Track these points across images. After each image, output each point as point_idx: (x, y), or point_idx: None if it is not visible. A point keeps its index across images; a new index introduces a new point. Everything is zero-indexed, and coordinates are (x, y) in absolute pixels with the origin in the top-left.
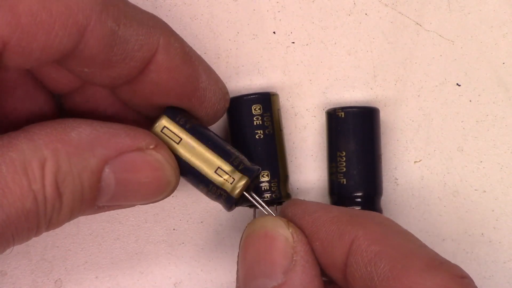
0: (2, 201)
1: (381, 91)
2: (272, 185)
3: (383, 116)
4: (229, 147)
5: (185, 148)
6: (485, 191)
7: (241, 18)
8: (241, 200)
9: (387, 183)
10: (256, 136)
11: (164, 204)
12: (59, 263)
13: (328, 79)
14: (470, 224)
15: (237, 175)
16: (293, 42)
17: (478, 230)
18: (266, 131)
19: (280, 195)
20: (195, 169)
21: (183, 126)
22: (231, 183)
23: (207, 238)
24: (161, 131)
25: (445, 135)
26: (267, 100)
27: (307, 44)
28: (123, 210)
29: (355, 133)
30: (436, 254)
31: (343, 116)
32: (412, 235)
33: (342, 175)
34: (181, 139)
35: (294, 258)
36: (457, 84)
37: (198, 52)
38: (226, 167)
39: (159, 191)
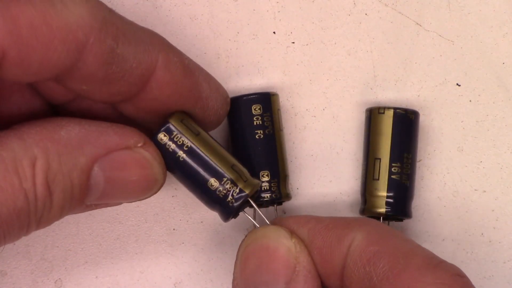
0: None
1: (381, 91)
2: (272, 185)
3: None
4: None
5: (204, 141)
6: (485, 191)
7: (241, 18)
8: (240, 209)
9: None
10: (256, 136)
11: (164, 204)
12: (59, 263)
13: (328, 79)
14: (470, 224)
15: (249, 176)
16: (293, 42)
17: (478, 230)
18: (266, 131)
19: (280, 195)
20: (209, 163)
21: (197, 124)
22: (245, 181)
23: (207, 238)
24: (181, 121)
25: (445, 135)
26: (267, 100)
27: (307, 44)
28: (123, 210)
29: (416, 137)
30: (434, 254)
31: (413, 118)
32: (408, 237)
33: (406, 176)
34: (199, 132)
35: (297, 269)
36: (457, 84)
37: (198, 52)
38: (241, 167)
39: (146, 189)
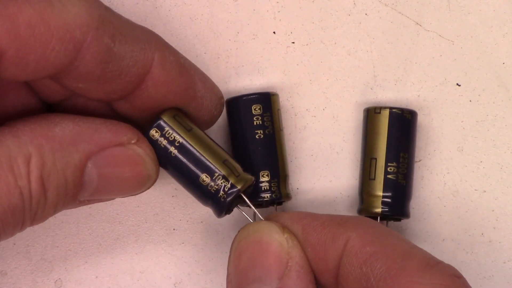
0: None
1: (381, 91)
2: (272, 185)
3: None
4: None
5: (196, 136)
6: (485, 191)
7: (241, 18)
8: (234, 205)
9: None
10: (256, 136)
11: (164, 204)
12: (59, 263)
13: (328, 79)
14: (470, 224)
15: (242, 171)
16: (293, 42)
17: (478, 230)
18: (266, 131)
19: (280, 195)
20: (201, 160)
21: (190, 120)
22: (237, 176)
23: (207, 238)
24: (173, 117)
25: (445, 135)
26: (267, 100)
27: (307, 44)
28: (123, 210)
29: (413, 136)
30: (431, 255)
31: (410, 118)
32: (404, 237)
33: (403, 176)
34: (192, 128)
35: (289, 264)
36: (457, 84)
37: (198, 52)
38: (233, 161)
39: (139, 185)
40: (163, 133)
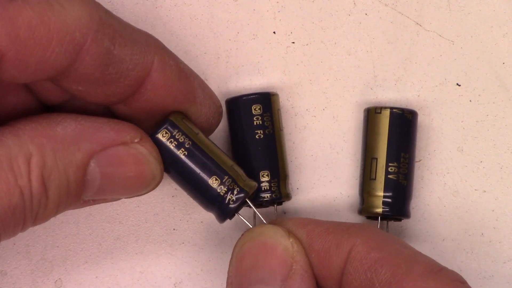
0: None
1: (381, 91)
2: (272, 185)
3: None
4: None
5: (203, 140)
6: (485, 191)
7: (241, 18)
8: (238, 210)
9: None
10: (256, 136)
11: (164, 204)
12: (59, 263)
13: (328, 79)
14: (470, 224)
15: (247, 178)
16: (293, 42)
17: (478, 230)
18: (266, 131)
19: (280, 195)
20: (209, 162)
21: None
22: (244, 180)
23: (207, 238)
24: (182, 119)
25: (445, 135)
26: (267, 100)
27: (307, 44)
28: (123, 210)
29: (414, 137)
30: (435, 261)
31: (411, 118)
32: (408, 244)
33: (403, 176)
34: (198, 132)
35: (294, 267)
36: (457, 84)
37: (198, 52)
38: (239, 167)
39: (144, 185)
40: (173, 134)
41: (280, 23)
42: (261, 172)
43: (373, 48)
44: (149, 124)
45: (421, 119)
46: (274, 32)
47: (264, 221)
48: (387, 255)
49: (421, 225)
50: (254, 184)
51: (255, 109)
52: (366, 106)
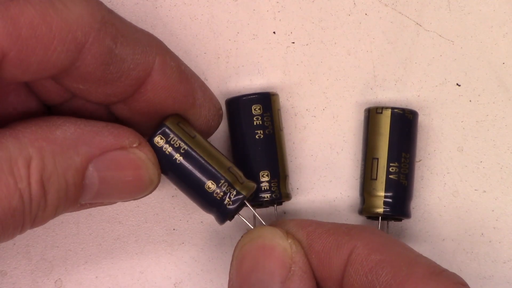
0: None
1: (381, 91)
2: (272, 185)
3: None
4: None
5: (200, 144)
6: (485, 191)
7: (241, 18)
8: (237, 212)
9: None
10: (256, 136)
11: (164, 204)
12: (59, 263)
13: (328, 79)
14: (470, 224)
15: (245, 179)
16: (293, 42)
17: (478, 230)
18: (266, 131)
19: (280, 195)
20: (206, 166)
21: (193, 127)
22: (241, 183)
23: (207, 238)
24: (177, 124)
25: (445, 135)
26: (267, 100)
27: (307, 44)
28: (123, 210)
29: (415, 137)
30: (436, 263)
31: (411, 118)
32: (409, 246)
33: (404, 176)
34: (196, 135)
35: (292, 269)
36: (457, 84)
37: (198, 52)
38: (238, 169)
39: (141, 189)
40: (168, 140)
41: (280, 23)
42: (261, 172)
43: (373, 48)
44: (149, 125)
45: (421, 119)
46: (274, 32)
47: (263, 222)
48: (388, 257)
49: (421, 225)
50: (253, 185)
51: (255, 109)
52: (366, 106)
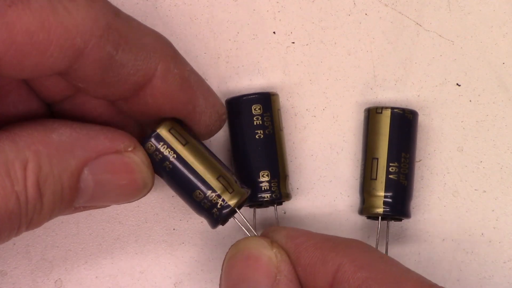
0: None
1: (381, 91)
2: (272, 185)
3: None
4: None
5: (191, 151)
6: (485, 191)
7: (241, 18)
8: (228, 218)
9: None
10: (256, 136)
11: (164, 204)
12: (59, 263)
13: (328, 79)
14: (470, 224)
15: (237, 188)
16: (293, 42)
17: (478, 230)
18: (266, 131)
19: (280, 195)
20: (196, 174)
21: (188, 131)
22: (230, 193)
23: (207, 238)
24: (169, 130)
25: (445, 135)
26: (267, 100)
27: (307, 44)
28: (123, 210)
29: (414, 137)
30: (424, 278)
31: (411, 118)
32: (397, 261)
33: (404, 176)
34: (187, 142)
35: (278, 278)
36: (457, 84)
37: (198, 52)
38: (230, 176)
39: (135, 193)
40: (158, 147)
41: (280, 23)
42: (261, 172)
43: (373, 48)
44: (151, 121)
45: (421, 119)
46: (274, 32)
47: (252, 230)
48: (374, 274)
49: (421, 225)
50: (244, 192)
51: (255, 109)
52: (366, 106)
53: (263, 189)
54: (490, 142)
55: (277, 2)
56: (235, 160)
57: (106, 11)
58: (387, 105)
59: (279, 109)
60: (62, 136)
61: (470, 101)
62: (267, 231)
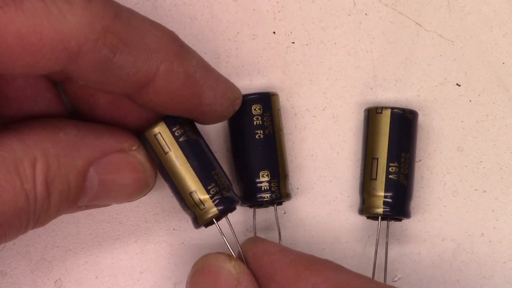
0: None
1: (381, 91)
2: (272, 185)
3: None
4: (214, 172)
5: (169, 162)
6: (485, 191)
7: (241, 18)
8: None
9: None
10: (256, 136)
11: (164, 204)
12: (59, 263)
13: (328, 79)
14: (470, 224)
15: (209, 205)
16: (293, 42)
17: (478, 230)
18: (266, 131)
19: (280, 195)
20: (173, 183)
21: (177, 138)
22: (201, 209)
23: (207, 238)
24: (154, 136)
25: (445, 135)
26: (267, 100)
27: (307, 44)
28: (123, 210)
29: (414, 137)
30: None
31: (411, 118)
32: (372, 279)
33: (404, 176)
34: (169, 150)
35: None
36: (457, 84)
37: (198, 52)
38: (201, 194)
39: (137, 192)
40: (146, 148)
41: (280, 23)
42: (261, 172)
43: (373, 48)
44: (157, 112)
45: (421, 119)
46: (274, 32)
47: (229, 247)
48: None
49: (421, 225)
50: (214, 210)
51: (255, 109)
52: (366, 106)
53: (263, 189)
54: (490, 142)
55: (277, 2)
56: (235, 160)
57: (104, 13)
58: (387, 105)
59: (279, 109)
60: (68, 135)
61: (470, 101)
62: (245, 244)
